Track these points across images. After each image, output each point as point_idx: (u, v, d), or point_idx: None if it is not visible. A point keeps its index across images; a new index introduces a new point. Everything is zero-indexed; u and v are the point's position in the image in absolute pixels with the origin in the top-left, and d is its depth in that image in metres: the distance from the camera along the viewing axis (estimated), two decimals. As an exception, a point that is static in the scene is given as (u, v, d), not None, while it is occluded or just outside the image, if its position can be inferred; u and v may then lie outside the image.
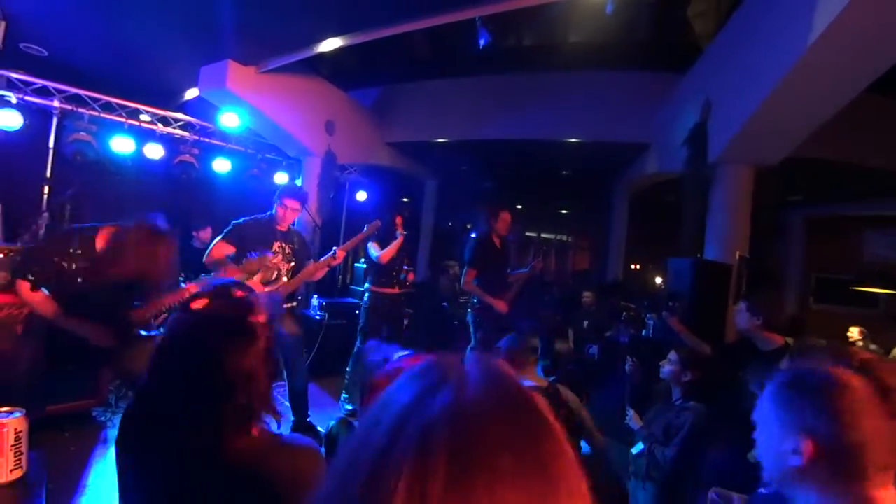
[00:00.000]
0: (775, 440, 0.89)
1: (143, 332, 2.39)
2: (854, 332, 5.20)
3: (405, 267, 4.44)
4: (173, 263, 2.23)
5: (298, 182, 6.27)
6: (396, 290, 4.25)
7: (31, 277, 2.10)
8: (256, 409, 0.88)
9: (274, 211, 3.23)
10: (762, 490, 1.10)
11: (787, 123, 3.96)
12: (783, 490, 0.92)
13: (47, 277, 2.13)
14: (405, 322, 4.80)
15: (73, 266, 2.13)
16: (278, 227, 3.21)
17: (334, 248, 3.29)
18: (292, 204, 3.23)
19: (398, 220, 4.28)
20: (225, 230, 3.07)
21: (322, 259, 3.29)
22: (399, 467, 0.32)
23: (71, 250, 2.15)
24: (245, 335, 0.88)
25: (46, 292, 2.15)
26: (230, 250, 3.03)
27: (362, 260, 4.36)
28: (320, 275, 3.38)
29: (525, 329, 4.90)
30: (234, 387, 0.84)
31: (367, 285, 4.30)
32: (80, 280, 2.14)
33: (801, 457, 0.83)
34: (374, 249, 4.22)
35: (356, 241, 3.53)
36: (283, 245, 3.19)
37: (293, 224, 3.39)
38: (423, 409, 0.36)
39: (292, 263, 3.23)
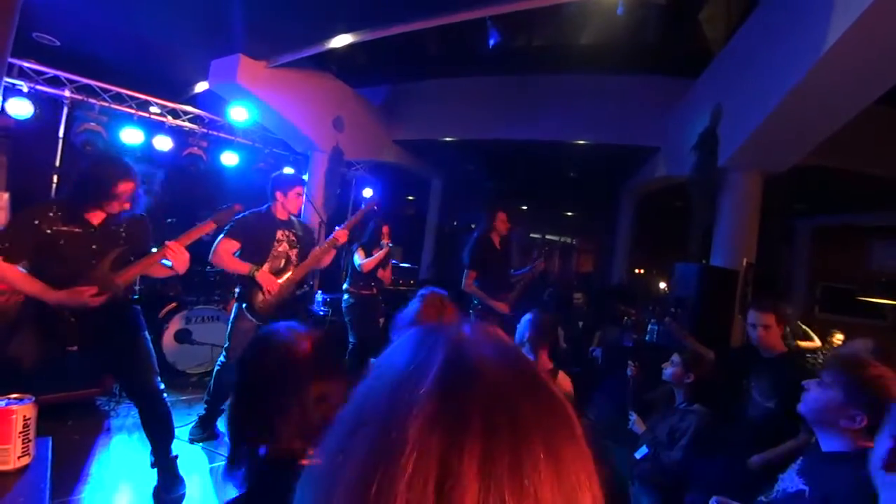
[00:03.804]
0: (838, 402, 1.31)
1: (132, 296, 2.38)
2: (839, 338, 5.22)
3: (391, 261, 4.65)
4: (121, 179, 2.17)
5: (305, 178, 6.29)
6: (374, 291, 4.41)
7: (6, 245, 2.04)
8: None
9: (272, 202, 3.20)
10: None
11: (798, 131, 3.94)
12: (814, 427, 1.40)
13: (23, 247, 2.06)
14: (381, 320, 4.83)
15: (53, 229, 2.09)
16: (278, 217, 3.20)
17: (336, 227, 3.28)
18: (297, 190, 3.20)
19: (385, 229, 4.28)
20: (226, 228, 3.04)
21: (325, 241, 3.27)
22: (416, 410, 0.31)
23: (51, 214, 2.11)
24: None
25: (22, 269, 2.08)
26: (235, 246, 3.03)
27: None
28: (327, 259, 3.34)
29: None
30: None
31: (345, 286, 4.41)
32: (61, 242, 2.10)
33: (856, 422, 1.27)
34: (358, 257, 4.28)
35: (355, 219, 3.48)
36: (287, 233, 3.18)
37: (297, 215, 3.37)
38: (429, 365, 0.35)
39: (297, 249, 3.23)
